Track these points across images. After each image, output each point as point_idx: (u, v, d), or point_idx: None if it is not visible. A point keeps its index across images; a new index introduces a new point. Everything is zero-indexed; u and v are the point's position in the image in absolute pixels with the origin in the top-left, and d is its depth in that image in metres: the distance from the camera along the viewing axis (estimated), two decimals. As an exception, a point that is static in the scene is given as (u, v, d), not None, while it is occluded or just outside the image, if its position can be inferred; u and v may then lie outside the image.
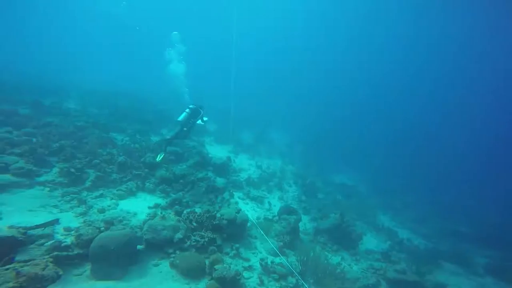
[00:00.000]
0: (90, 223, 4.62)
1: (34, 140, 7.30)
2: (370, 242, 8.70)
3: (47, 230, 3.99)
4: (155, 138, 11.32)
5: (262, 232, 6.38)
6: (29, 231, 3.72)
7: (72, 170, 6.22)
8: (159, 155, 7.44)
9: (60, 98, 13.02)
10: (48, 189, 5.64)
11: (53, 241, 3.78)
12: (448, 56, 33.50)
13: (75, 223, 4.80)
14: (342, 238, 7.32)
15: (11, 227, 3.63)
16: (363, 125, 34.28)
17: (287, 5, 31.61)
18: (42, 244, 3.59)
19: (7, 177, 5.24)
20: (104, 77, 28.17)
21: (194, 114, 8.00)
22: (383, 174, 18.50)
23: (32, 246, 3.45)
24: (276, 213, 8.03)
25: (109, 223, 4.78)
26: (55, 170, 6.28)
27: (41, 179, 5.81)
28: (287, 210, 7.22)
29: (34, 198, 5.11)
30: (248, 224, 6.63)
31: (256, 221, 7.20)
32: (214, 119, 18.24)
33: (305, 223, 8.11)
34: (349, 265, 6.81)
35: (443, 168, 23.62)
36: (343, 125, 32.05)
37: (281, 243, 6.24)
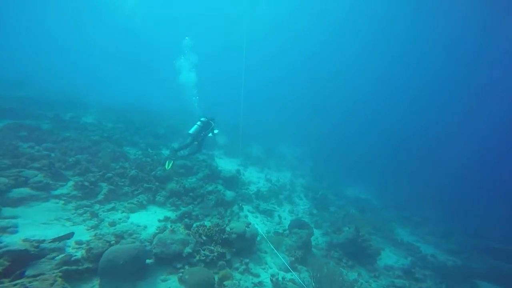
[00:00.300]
0: (100, 236, 4.65)
1: (53, 154, 7.61)
2: (389, 257, 8.21)
3: (60, 244, 4.04)
4: (166, 152, 11.53)
5: (272, 247, 6.18)
6: (41, 244, 3.78)
7: (86, 183, 6.39)
8: (167, 163, 7.54)
9: (79, 112, 13.69)
10: (63, 202, 5.79)
11: (63, 254, 3.81)
12: (452, 63, 32.67)
13: (87, 236, 4.85)
14: (358, 253, 6.97)
15: (25, 240, 3.71)
16: (373, 138, 33.68)
17: (298, 20, 32.05)
18: (53, 258, 3.62)
19: (26, 190, 5.44)
20: (120, 91, 29.49)
21: (205, 127, 8.13)
22: (395, 187, 17.79)
23: (43, 260, 3.48)
24: (286, 227, 7.80)
25: (119, 237, 4.79)
26: (70, 183, 6.46)
27: (57, 192, 5.98)
28: (298, 224, 7.01)
29: (49, 211, 5.24)
30: (258, 238, 6.47)
31: (266, 235, 7.01)
32: (223, 133, 18.48)
33: (318, 238, 7.80)
34: (367, 282, 6.41)
35: (459, 179, 22.53)
36: (353, 139, 31.65)
37: (293, 258, 6.00)
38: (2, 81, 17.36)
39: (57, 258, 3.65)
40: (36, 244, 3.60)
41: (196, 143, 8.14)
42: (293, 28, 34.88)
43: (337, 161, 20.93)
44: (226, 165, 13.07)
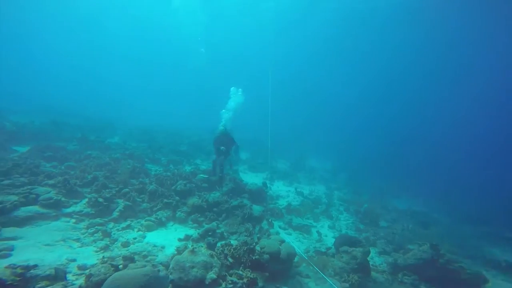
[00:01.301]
0: (106, 260, 3.83)
1: (72, 172, 7.31)
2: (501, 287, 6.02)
3: (54, 271, 3.25)
4: (188, 168, 10.98)
5: (317, 269, 4.86)
6: (31, 271, 3.01)
7: (100, 200, 5.80)
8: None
9: (107, 133, 13.97)
10: (74, 220, 5.19)
11: (56, 284, 3.00)
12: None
13: (94, 259, 4.08)
14: (443, 279, 5.07)
15: (9, 266, 2.97)
16: (416, 145, 30.37)
17: (324, 35, 30.64)
18: (41, 289, 2.82)
19: (35, 208, 4.95)
20: (148, 112, 30.84)
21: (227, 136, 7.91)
22: (457, 197, 14.89)
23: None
24: (330, 245, 6.40)
25: (129, 260, 3.93)
26: (85, 200, 5.93)
27: (69, 210, 5.44)
28: (347, 241, 5.58)
29: (57, 231, 4.63)
30: (296, 258, 5.22)
31: (306, 254, 5.70)
32: (247, 148, 17.80)
33: (373, 257, 6.22)
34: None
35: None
36: (391, 147, 28.87)
37: (347, 285, 4.59)
38: (41, 106, 18.85)
39: (46, 288, 2.85)
40: (20, 271, 2.85)
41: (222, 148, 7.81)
42: (317, 40, 33.34)
43: (375, 172, 18.81)
44: (251, 179, 12.09)
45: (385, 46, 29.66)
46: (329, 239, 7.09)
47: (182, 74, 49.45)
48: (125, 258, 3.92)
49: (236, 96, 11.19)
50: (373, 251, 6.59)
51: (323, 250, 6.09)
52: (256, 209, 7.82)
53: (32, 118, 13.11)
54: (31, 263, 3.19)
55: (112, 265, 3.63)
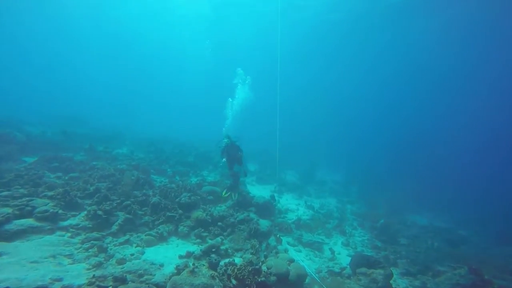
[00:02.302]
0: (94, 280, 3.46)
1: (75, 183, 7.14)
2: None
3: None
4: (194, 179, 10.68)
5: (331, 296, 4.29)
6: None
7: (99, 212, 5.53)
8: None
9: (115, 144, 13.92)
10: (69, 234, 4.91)
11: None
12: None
13: (83, 279, 3.72)
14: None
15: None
16: (429, 152, 28.91)
17: (333, 40, 30.03)
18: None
19: (29, 221, 4.71)
20: (157, 123, 30.96)
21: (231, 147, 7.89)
22: (482, 211, 13.59)
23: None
24: (344, 265, 5.78)
25: (120, 281, 3.55)
26: (84, 213, 5.67)
27: (66, 223, 5.18)
28: (365, 261, 4.97)
29: (48, 246, 4.34)
30: (307, 280, 4.69)
31: (318, 275, 5.12)
32: (255, 159, 17.41)
33: (395, 279, 5.50)
34: None
35: None
36: (404, 157, 27.57)
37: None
38: (53, 116, 19.30)
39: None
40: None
41: (224, 159, 7.92)
42: (328, 45, 32.56)
43: (388, 184, 17.80)
44: (259, 192, 11.61)
45: (393, 49, 29.04)
46: (344, 258, 6.45)
47: (188, 78, 49.53)
48: (115, 279, 3.54)
49: (242, 88, 10.95)
50: (394, 272, 5.88)
51: (337, 270, 5.48)
52: (263, 223, 7.34)
53: (45, 128, 13.36)
54: (4, 284, 2.86)
55: (100, 287, 3.27)
